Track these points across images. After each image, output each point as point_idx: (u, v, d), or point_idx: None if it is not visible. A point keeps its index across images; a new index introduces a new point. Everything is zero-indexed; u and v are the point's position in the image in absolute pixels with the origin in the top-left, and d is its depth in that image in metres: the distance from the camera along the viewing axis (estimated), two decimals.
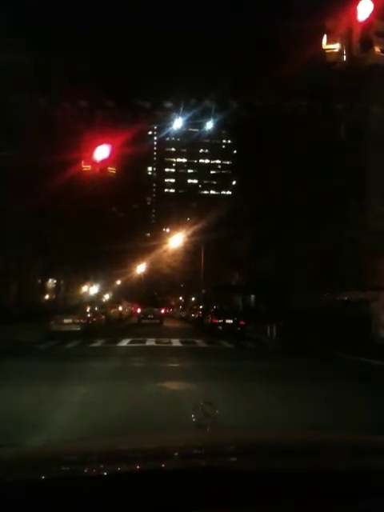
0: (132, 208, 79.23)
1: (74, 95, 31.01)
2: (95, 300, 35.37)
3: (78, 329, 21.80)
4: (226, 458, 1.82)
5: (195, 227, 54.35)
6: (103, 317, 28.31)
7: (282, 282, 31.43)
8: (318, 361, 14.32)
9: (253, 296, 42.41)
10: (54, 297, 40.69)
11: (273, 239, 33.21)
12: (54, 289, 41.35)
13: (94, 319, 24.93)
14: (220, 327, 24.39)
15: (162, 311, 39.93)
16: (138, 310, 38.47)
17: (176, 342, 19.33)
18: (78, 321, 21.92)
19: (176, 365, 11.88)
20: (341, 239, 23.54)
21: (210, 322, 25.69)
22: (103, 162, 16.86)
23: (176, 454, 1.92)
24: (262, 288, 35.36)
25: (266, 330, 24.04)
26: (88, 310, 23.65)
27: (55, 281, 41.65)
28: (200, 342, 19.63)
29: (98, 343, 18.83)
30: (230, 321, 24.53)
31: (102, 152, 16.57)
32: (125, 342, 19.04)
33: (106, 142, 16.99)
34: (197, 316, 34.60)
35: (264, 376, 10.06)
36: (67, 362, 12.24)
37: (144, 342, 19.27)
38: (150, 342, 19.18)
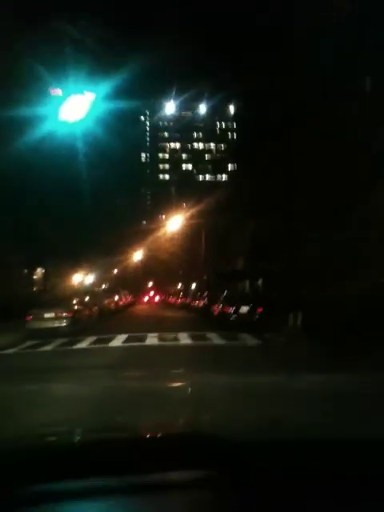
0: (127, 194, 74.95)
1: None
2: (88, 290, 31.03)
3: (64, 324, 17.54)
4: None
5: (193, 212, 49.93)
6: (96, 308, 23.98)
7: (298, 267, 27.08)
8: None
9: (260, 281, 38.14)
10: (43, 288, 36.29)
11: (289, 223, 28.67)
12: (43, 279, 36.94)
13: (86, 312, 20.66)
14: (234, 316, 20.09)
15: (157, 298, 65.82)
16: (145, 299, 64.17)
17: (184, 339, 15.03)
18: (62, 315, 17.61)
19: (194, 385, 7.60)
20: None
21: (221, 310, 21.39)
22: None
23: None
24: (275, 273, 30.94)
25: (287, 320, 19.78)
26: (75, 302, 19.28)
27: (44, 270, 37.23)
28: (214, 338, 15.32)
29: (86, 343, 14.54)
30: (245, 309, 20.20)
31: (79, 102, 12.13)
32: (119, 340, 14.75)
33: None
34: (202, 304, 30.30)
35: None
36: (24, 382, 7.86)
37: (143, 339, 14.96)
38: (152, 340, 14.87)
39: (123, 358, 10.96)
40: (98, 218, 46.88)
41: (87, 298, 22.50)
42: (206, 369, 8.76)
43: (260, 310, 20.32)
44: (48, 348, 13.48)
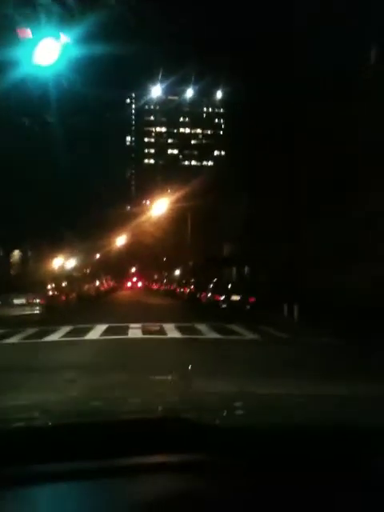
0: (112, 177, 72.64)
1: None
2: (66, 274, 28.92)
3: (36, 312, 15.53)
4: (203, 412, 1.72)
5: (179, 197, 47.69)
6: (74, 294, 21.96)
7: (292, 251, 25.21)
8: None
9: (247, 268, 36.32)
10: (20, 271, 33.97)
11: (288, 206, 26.73)
12: (20, 262, 34.65)
13: (62, 298, 18.64)
14: (224, 306, 18.30)
15: (140, 284, 66.88)
16: (128, 284, 65.17)
17: (171, 330, 13.13)
18: (34, 301, 15.57)
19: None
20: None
21: (210, 299, 19.57)
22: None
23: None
24: (265, 259, 29.05)
25: (282, 311, 18.05)
26: (49, 287, 17.21)
27: (21, 252, 34.92)
28: (205, 330, 13.46)
29: (59, 334, 12.56)
30: (236, 297, 18.43)
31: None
32: (98, 332, 12.80)
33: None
34: (188, 291, 28.47)
35: None
36: None
37: (125, 330, 13.03)
38: (135, 331, 12.97)
39: (100, 356, 9.05)
40: (80, 195, 44.55)
41: (64, 283, 20.46)
42: (202, 373, 6.88)
43: (252, 299, 18.55)
44: (13, 340, 11.49)
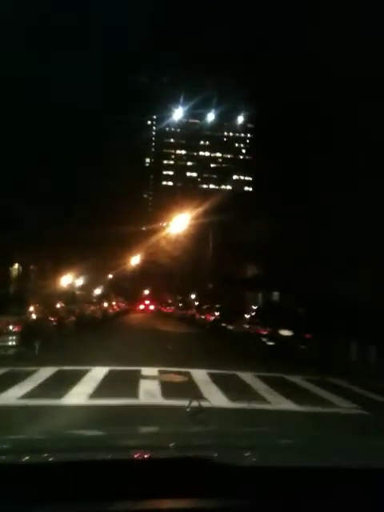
0: (130, 197, 69.02)
1: None
2: (70, 292, 24.03)
3: (10, 343, 10.55)
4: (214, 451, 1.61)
5: (199, 214, 43.02)
6: (72, 318, 16.94)
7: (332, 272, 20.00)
8: None
9: (276, 293, 31.09)
10: (19, 288, 29.12)
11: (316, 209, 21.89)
12: (19, 277, 29.84)
13: (49, 323, 13.62)
14: (271, 343, 13.19)
15: (152, 307, 62.96)
16: (141, 306, 61.59)
17: (207, 387, 8.01)
18: (7, 328, 10.59)
19: None
20: None
21: (249, 331, 14.47)
22: None
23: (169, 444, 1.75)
24: (297, 281, 23.76)
25: (348, 351, 12.86)
26: (32, 309, 12.14)
27: (22, 267, 30.15)
28: (261, 388, 8.23)
29: (26, 386, 7.51)
30: (287, 333, 13.26)
31: None
32: (89, 385, 7.72)
33: None
34: (212, 319, 23.36)
35: None
36: None
37: (134, 383, 7.92)
38: (149, 386, 7.83)
39: None
40: (96, 212, 39.99)
41: (60, 304, 15.47)
42: None
43: (309, 335, 13.36)
44: None
